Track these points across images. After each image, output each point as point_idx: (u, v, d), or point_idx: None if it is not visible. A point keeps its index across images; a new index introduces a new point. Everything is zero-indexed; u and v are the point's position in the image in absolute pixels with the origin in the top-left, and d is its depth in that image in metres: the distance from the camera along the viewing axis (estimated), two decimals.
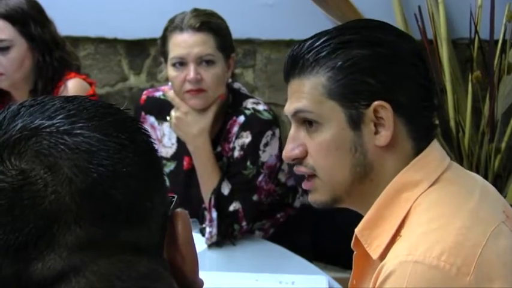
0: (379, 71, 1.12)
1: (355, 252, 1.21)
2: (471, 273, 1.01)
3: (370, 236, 1.14)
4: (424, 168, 1.14)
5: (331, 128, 1.14)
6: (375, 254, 1.13)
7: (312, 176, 1.18)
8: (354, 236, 1.17)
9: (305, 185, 1.20)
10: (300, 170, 1.20)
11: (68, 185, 0.54)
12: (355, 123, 1.12)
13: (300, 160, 1.18)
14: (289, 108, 1.19)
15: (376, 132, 1.13)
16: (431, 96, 1.17)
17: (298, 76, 1.16)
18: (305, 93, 1.15)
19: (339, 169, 1.15)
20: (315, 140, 1.16)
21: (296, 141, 1.18)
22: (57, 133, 0.56)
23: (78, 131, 0.56)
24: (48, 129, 0.56)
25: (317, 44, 1.14)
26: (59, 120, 0.56)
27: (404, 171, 1.14)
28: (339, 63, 1.12)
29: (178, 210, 0.62)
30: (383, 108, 1.11)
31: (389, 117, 1.11)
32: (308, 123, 1.16)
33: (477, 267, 1.01)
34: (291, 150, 1.18)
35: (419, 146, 1.16)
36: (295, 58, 1.16)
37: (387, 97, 1.12)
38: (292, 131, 1.19)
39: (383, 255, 1.11)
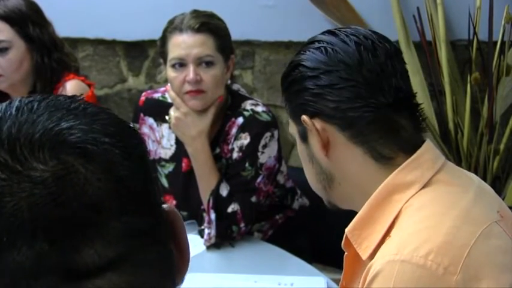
0: (304, 87, 1.18)
1: (345, 253, 1.21)
2: (458, 272, 1.01)
3: (360, 236, 1.15)
4: (417, 170, 1.14)
5: (298, 144, 1.26)
6: (364, 255, 1.13)
7: None
8: (345, 236, 1.18)
9: None
10: None
11: (108, 173, 0.55)
12: (303, 137, 1.22)
13: None
14: None
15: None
16: (368, 94, 1.15)
17: None
18: None
19: (311, 179, 1.26)
20: None
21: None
22: (84, 125, 0.56)
23: (102, 122, 0.58)
24: (73, 122, 0.56)
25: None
26: (78, 115, 0.57)
27: (397, 172, 1.14)
28: (283, 85, 1.24)
29: (167, 206, 0.63)
30: (304, 121, 1.18)
31: (312, 127, 1.18)
32: None
33: (464, 267, 1.01)
34: None
35: (377, 151, 1.16)
36: None
37: (315, 110, 1.17)
38: None
39: (373, 256, 1.11)
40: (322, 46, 1.18)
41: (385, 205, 1.13)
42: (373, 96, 1.14)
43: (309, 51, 1.19)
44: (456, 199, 1.12)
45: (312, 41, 1.22)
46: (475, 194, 1.15)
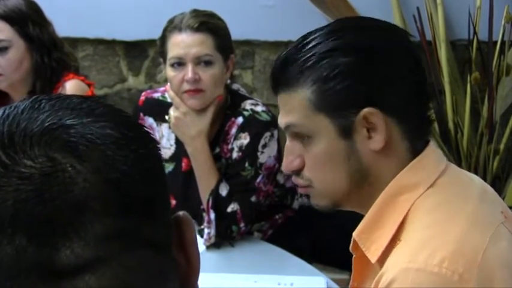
0: (365, 76, 1.10)
1: (354, 255, 1.21)
2: (473, 278, 1.00)
3: (368, 239, 1.13)
4: (421, 171, 1.13)
5: (323, 141, 1.13)
6: (373, 258, 1.12)
7: (308, 186, 1.19)
8: (352, 239, 1.16)
9: (300, 190, 1.23)
10: (297, 181, 1.21)
11: (98, 174, 0.54)
12: (346, 132, 1.12)
13: (298, 172, 1.19)
14: (281, 121, 1.19)
15: (370, 137, 1.12)
16: (423, 91, 1.17)
17: (287, 89, 1.15)
18: (293, 107, 1.14)
19: (334, 179, 1.15)
20: (309, 153, 1.16)
21: (293, 153, 1.18)
22: (83, 124, 0.56)
23: (103, 123, 0.57)
24: (73, 121, 0.56)
25: (301, 53, 1.14)
26: (81, 114, 0.57)
27: (401, 174, 1.13)
28: (324, 74, 1.10)
29: (182, 213, 0.62)
30: (372, 115, 1.10)
31: (380, 122, 1.10)
32: (301, 136, 1.16)
33: (479, 271, 1.01)
34: (290, 162, 1.18)
35: (415, 146, 1.15)
36: (281, 69, 1.16)
37: (376, 101, 1.10)
38: (288, 142, 1.20)
39: (381, 259, 1.11)
40: (389, 28, 1.20)
41: (391, 207, 1.12)
42: (427, 93, 1.18)
43: (367, 36, 1.15)
44: (461, 203, 1.11)
45: (361, 24, 1.21)
46: (479, 196, 1.14)
